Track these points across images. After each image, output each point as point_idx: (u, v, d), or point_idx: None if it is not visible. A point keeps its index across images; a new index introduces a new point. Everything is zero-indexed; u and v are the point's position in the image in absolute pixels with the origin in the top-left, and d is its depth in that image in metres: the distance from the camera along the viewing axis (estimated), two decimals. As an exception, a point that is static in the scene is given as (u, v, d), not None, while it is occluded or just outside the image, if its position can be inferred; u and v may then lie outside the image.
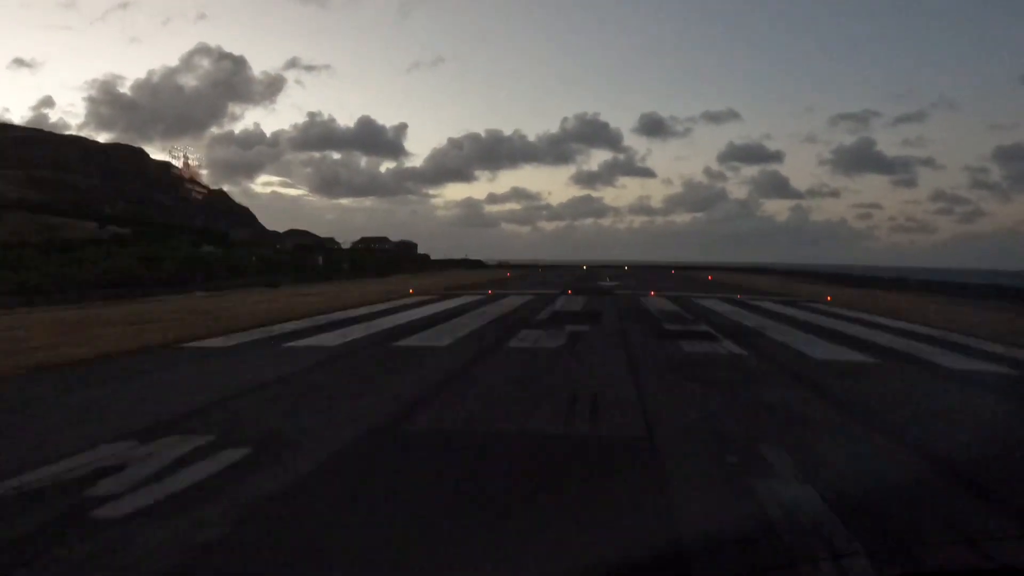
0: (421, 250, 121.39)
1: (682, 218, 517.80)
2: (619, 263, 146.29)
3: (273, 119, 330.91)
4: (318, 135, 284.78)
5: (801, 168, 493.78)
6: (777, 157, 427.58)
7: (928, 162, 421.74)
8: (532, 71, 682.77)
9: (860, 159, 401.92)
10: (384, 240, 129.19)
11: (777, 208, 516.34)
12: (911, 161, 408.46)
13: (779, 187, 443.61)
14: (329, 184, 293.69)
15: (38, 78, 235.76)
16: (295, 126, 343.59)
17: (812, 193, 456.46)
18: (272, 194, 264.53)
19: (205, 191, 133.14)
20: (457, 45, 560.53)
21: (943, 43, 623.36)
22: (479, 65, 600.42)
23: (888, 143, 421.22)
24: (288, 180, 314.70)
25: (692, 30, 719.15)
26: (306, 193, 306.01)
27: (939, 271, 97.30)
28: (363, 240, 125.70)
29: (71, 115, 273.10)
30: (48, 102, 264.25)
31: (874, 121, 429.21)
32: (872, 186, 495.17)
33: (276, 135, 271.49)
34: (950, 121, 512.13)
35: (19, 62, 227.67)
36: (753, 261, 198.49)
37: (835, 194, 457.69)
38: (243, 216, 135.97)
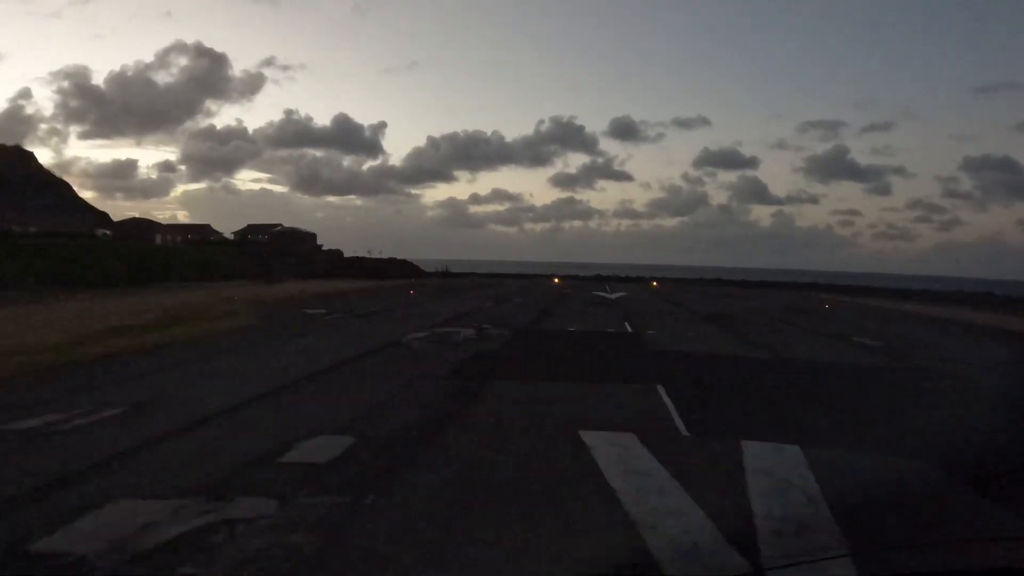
0: (407, 249, 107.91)
1: (668, 222, 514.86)
2: (612, 268, 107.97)
3: (250, 117, 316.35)
4: (295, 133, 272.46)
5: (777, 174, 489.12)
6: (752, 163, 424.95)
7: (900, 171, 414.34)
8: (505, 72, 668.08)
9: (833, 166, 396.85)
10: (277, 227, 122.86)
11: (760, 213, 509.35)
12: (883, 170, 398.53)
13: (758, 193, 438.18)
14: (308, 182, 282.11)
15: (3, 69, 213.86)
16: (271, 123, 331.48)
17: (791, 199, 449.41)
18: (262, 191, 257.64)
19: None
20: (431, 45, 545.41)
21: (903, 54, 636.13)
22: (453, 65, 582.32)
23: (857, 151, 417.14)
24: (274, 176, 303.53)
25: (660, 36, 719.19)
26: (288, 190, 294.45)
27: (922, 279, 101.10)
28: (249, 228, 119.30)
29: (42, 107, 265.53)
30: (26, 94, 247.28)
31: (842, 130, 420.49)
32: (849, 193, 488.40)
33: (255, 133, 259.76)
34: (915, 131, 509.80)
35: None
36: (745, 266, 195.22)
37: (814, 200, 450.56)
38: (54, 188, 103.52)
